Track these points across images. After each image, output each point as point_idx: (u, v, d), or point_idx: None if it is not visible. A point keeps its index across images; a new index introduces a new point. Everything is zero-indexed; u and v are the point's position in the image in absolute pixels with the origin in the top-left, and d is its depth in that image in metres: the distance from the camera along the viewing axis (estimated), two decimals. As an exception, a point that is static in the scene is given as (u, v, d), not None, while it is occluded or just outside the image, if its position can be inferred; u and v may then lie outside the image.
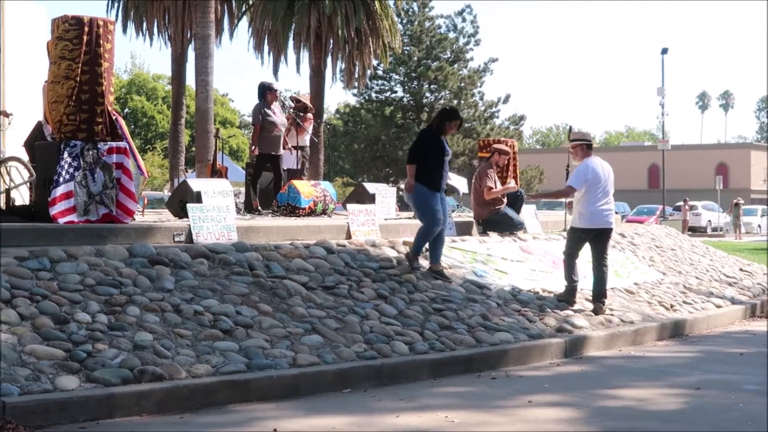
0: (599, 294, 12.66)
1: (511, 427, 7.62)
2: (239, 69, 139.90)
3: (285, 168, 17.44)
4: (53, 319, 8.65)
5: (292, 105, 18.33)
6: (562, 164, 18.15)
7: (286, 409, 8.11)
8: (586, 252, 12.91)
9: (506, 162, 16.79)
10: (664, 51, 56.60)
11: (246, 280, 10.67)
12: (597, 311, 12.53)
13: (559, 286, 13.12)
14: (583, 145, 12.81)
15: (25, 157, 14.10)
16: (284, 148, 17.35)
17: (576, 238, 12.77)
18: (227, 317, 9.56)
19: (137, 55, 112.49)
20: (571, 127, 19.72)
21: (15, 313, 8.58)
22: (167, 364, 8.29)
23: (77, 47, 11.64)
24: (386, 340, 10.01)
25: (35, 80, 14.43)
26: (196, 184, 13.78)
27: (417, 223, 15.11)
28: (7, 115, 14.15)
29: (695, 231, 53.10)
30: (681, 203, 56.01)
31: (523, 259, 14.45)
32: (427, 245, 12.65)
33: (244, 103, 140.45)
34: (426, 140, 12.52)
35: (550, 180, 52.32)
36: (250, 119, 17.77)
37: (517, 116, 58.56)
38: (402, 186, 13.55)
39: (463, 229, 15.68)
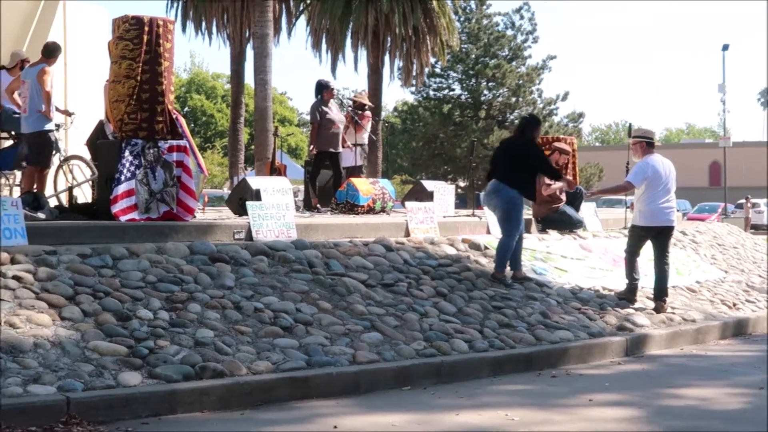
0: (661, 292, 12.55)
1: (571, 426, 7.57)
2: (297, 67, 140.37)
3: (344, 166, 17.47)
4: (116, 315, 8.75)
5: (350, 104, 18.37)
6: (621, 162, 17.99)
7: (346, 406, 8.12)
8: (647, 250, 12.79)
9: (566, 161, 16.68)
10: (725, 47, 55.84)
11: (305, 278, 10.70)
12: (658, 309, 12.43)
13: (620, 284, 13.02)
14: (644, 143, 12.70)
15: (87, 156, 14.28)
16: (344, 146, 17.38)
17: (637, 236, 12.67)
18: (287, 314, 9.60)
19: (196, 54, 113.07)
20: (630, 125, 19.55)
21: (78, 310, 8.68)
22: (228, 361, 8.34)
23: (138, 47, 11.75)
24: (446, 337, 9.99)
25: (97, 80, 14.58)
26: (255, 182, 13.87)
27: (475, 221, 15.11)
28: (69, 114, 14.32)
29: (758, 229, 52.34)
30: (743, 201, 55.21)
31: (582, 257, 14.36)
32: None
33: (303, 102, 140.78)
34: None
35: (610, 178, 51.83)
36: (308, 117, 17.77)
37: (576, 113, 58.08)
38: (460, 183, 13.58)
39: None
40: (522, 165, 12.36)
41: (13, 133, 14.16)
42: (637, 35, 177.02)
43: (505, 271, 12.40)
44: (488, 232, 14.82)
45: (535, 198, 13.33)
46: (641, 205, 12.53)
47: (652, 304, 12.57)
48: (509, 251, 12.40)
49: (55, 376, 7.53)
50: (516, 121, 55.55)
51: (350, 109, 18.31)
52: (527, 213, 18.22)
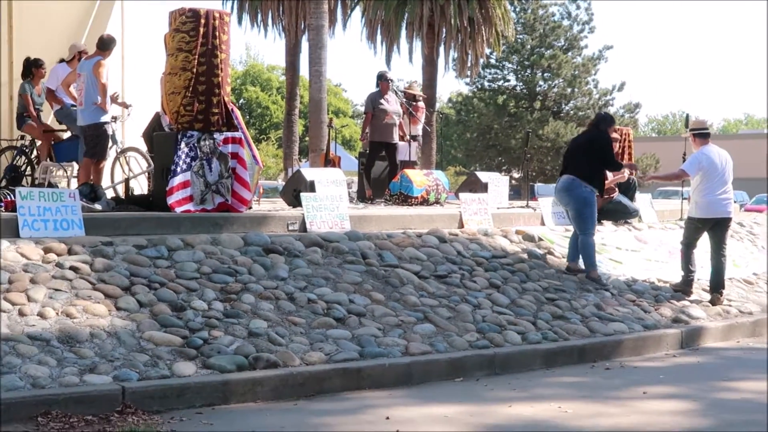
0: (717, 284, 12.42)
1: (625, 419, 7.52)
2: (352, 59, 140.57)
3: (400, 159, 17.46)
4: (171, 306, 8.82)
5: (403, 95, 18.32)
6: (678, 152, 17.82)
7: (399, 397, 8.13)
8: (704, 242, 12.66)
9: (619, 149, 16.52)
10: (786, 36, 55.11)
11: (359, 269, 10.72)
12: (714, 302, 12.30)
13: (676, 276, 12.90)
14: (700, 134, 12.59)
15: (144, 148, 14.38)
16: (402, 140, 17.39)
17: (693, 227, 12.54)
18: (340, 305, 9.63)
19: (252, 47, 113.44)
20: (688, 115, 19.35)
21: (134, 300, 8.77)
22: (281, 352, 8.38)
23: (194, 39, 11.82)
24: (498, 329, 9.96)
25: (154, 72, 14.69)
26: (309, 173, 13.91)
27: (529, 212, 15.04)
28: (126, 107, 14.43)
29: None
30: (802, 192, 54.54)
31: (638, 249, 14.24)
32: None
33: (357, 93, 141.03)
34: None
35: (666, 169, 51.40)
36: (362, 109, 17.85)
37: (632, 104, 57.63)
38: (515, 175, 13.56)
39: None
40: (594, 161, 12.31)
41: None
42: (695, 23, 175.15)
43: (597, 270, 12.29)
44: (542, 224, 14.76)
45: (603, 193, 13.25)
46: (697, 197, 12.41)
47: (708, 297, 12.44)
48: (592, 247, 12.29)
49: (110, 366, 7.62)
50: (572, 113, 55.35)
51: (404, 101, 18.27)
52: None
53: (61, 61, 14.45)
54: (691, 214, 12.61)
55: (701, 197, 12.35)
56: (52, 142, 14.42)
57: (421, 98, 19.04)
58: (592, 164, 12.32)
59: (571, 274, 12.24)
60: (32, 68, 14.48)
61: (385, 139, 16.83)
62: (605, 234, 14.55)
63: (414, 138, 18.31)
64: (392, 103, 17.10)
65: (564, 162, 12.65)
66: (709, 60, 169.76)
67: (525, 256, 12.63)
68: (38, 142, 14.46)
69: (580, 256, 12.40)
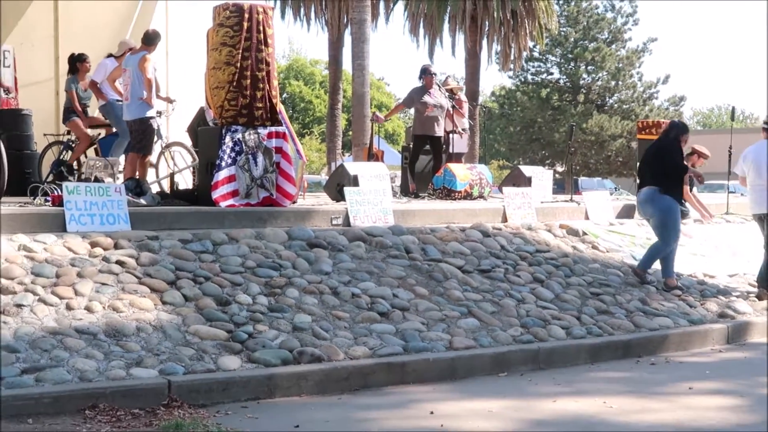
0: (765, 279, 12.30)
1: (671, 414, 7.48)
2: (395, 53, 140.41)
3: (456, 151, 17.47)
4: (216, 300, 8.87)
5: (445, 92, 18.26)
6: (724, 146, 17.65)
7: (443, 391, 8.13)
8: (758, 236, 12.56)
9: (702, 163, 16.22)
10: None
11: (402, 263, 10.73)
12: (761, 296, 12.18)
13: (721, 270, 12.80)
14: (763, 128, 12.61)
15: (188, 142, 14.46)
16: (455, 132, 17.37)
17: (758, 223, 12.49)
18: (384, 300, 9.63)
19: (294, 41, 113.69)
20: (734, 108, 19.19)
21: (179, 294, 8.83)
22: (326, 346, 8.40)
23: (238, 33, 11.87)
24: (542, 324, 9.93)
25: (198, 67, 14.78)
26: (353, 167, 13.92)
27: (573, 206, 14.97)
28: (170, 102, 14.51)
29: None
30: None
31: (683, 243, 14.11)
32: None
33: (400, 87, 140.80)
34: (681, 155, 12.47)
35: (711, 162, 50.96)
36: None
37: (677, 97, 57.21)
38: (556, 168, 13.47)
39: (622, 212, 15.42)
40: (671, 169, 12.17)
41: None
42: (741, 14, 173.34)
43: (647, 271, 12.19)
44: (587, 218, 14.68)
45: (682, 202, 13.06)
46: (747, 191, 12.38)
47: (755, 291, 12.33)
48: (660, 254, 12.13)
49: (156, 360, 7.67)
50: (616, 106, 55.01)
51: (447, 95, 18.20)
52: (627, 199, 18.02)
53: (110, 55, 14.53)
54: (753, 211, 12.53)
55: (748, 191, 12.33)
56: (101, 136, 14.53)
57: (459, 92, 18.97)
58: (667, 174, 12.14)
59: (636, 279, 12.09)
60: (76, 63, 14.59)
61: (428, 132, 16.76)
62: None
63: (463, 131, 18.28)
64: (436, 97, 17.04)
65: (639, 173, 12.52)
66: (755, 51, 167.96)
67: (569, 250, 12.58)
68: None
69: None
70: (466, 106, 18.98)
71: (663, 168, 12.10)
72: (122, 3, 17.26)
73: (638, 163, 12.86)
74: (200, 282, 9.16)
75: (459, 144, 17.84)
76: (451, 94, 18.07)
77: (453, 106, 17.81)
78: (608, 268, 12.24)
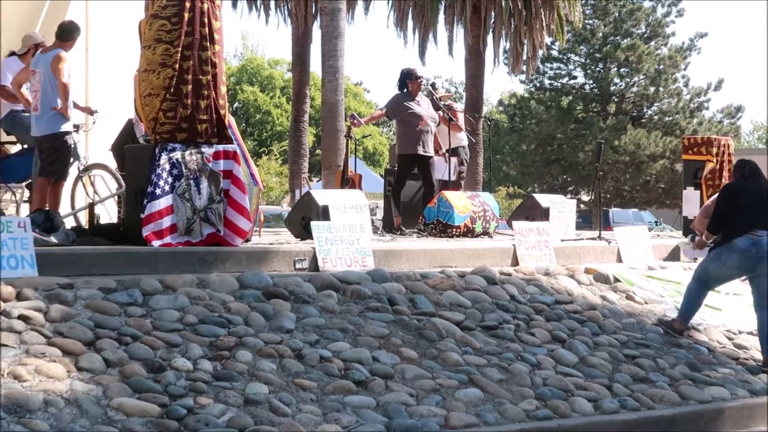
0: None
1: None
2: (376, 51, 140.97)
3: (436, 178, 17.44)
4: (146, 366, 8.81)
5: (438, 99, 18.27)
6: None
7: (436, 482, 8.10)
8: None
9: (716, 165, 16.33)
10: None
11: (385, 318, 10.71)
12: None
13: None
14: None
15: (113, 164, 14.44)
16: (437, 154, 17.38)
17: None
18: (361, 365, 9.61)
19: (250, 36, 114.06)
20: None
21: (99, 359, 8.76)
22: (287, 424, 8.36)
23: (177, 27, 11.85)
24: (564, 395, 9.94)
25: (125, 69, 14.76)
26: (322, 196, 13.93)
27: (602, 246, 15.01)
28: (91, 113, 14.50)
29: None
30: None
31: (741, 292, 14.14)
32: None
33: (382, 94, 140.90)
34: None
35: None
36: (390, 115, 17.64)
37: (733, 107, 57.58)
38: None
39: (664, 252, 15.46)
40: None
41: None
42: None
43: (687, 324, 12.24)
44: (619, 260, 14.72)
45: None
46: None
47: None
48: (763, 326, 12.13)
49: (70, 442, 7.61)
50: (656, 118, 55.15)
51: (442, 105, 18.23)
52: (671, 236, 18.05)
53: (11, 54, 14.50)
54: None
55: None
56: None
57: (449, 99, 18.99)
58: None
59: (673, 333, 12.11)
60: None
61: (417, 151, 16.76)
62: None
63: (454, 152, 18.26)
64: (426, 107, 17.07)
65: (744, 216, 12.40)
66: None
67: (597, 301, 12.59)
68: None
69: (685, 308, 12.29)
70: (461, 118, 19.03)
71: None
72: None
73: (718, 198, 12.73)
74: (126, 342, 9.11)
75: (441, 168, 17.78)
76: (440, 103, 18.11)
77: (449, 118, 17.85)
78: (647, 323, 12.25)
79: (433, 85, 20.18)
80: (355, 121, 17.83)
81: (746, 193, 12.34)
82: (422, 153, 16.81)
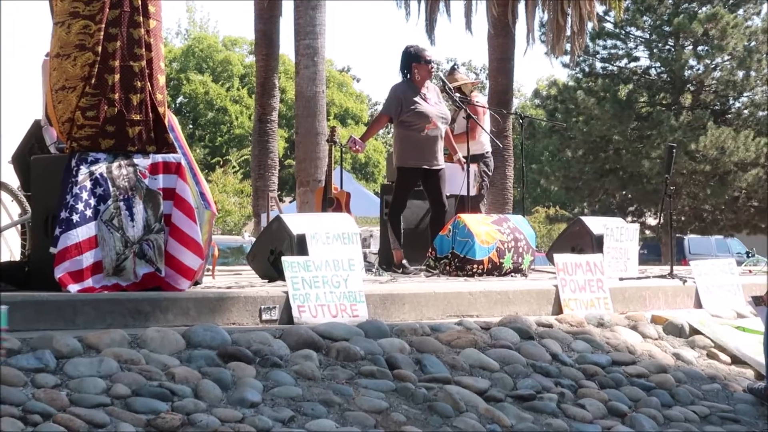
0: None
1: None
2: (369, 29, 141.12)
3: (450, 194, 17.38)
4: (61, 454, 8.83)
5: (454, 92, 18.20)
6: None
7: None
8: None
9: None
10: None
11: (383, 386, 10.71)
12: None
13: None
14: None
15: (14, 181, 14.45)
16: (450, 161, 17.36)
17: None
18: (352, 450, 9.63)
19: (198, 8, 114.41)
20: None
21: (-2, 445, 8.79)
22: None
23: (98, -3, 11.89)
24: (625, 488, 9.96)
25: (31, 55, 14.81)
26: (297, 222, 13.93)
27: (676, 286, 15.03)
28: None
29: None
30: None
31: None
32: None
33: (377, 85, 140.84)
34: None
35: None
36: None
37: None
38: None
39: (761, 294, 15.50)
40: None
41: None
42: None
43: None
44: (698, 305, 14.73)
45: None
46: None
47: None
48: None
49: None
50: (746, 113, 55.09)
51: (457, 97, 18.13)
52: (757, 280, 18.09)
53: None
54: None
55: None
56: None
57: (474, 90, 18.99)
58: None
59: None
60: None
61: (422, 163, 16.64)
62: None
63: (474, 159, 18.20)
64: (435, 102, 16.92)
65: None
66: None
67: (669, 361, 12.61)
68: None
69: None
70: (487, 116, 19.00)
71: None
72: None
73: None
74: (34, 422, 9.11)
75: (458, 181, 17.65)
76: (462, 95, 18.06)
77: (468, 116, 17.79)
78: (735, 390, 12.27)
79: (453, 68, 20.11)
80: (357, 146, 17.45)
81: None
82: (428, 167, 16.72)
